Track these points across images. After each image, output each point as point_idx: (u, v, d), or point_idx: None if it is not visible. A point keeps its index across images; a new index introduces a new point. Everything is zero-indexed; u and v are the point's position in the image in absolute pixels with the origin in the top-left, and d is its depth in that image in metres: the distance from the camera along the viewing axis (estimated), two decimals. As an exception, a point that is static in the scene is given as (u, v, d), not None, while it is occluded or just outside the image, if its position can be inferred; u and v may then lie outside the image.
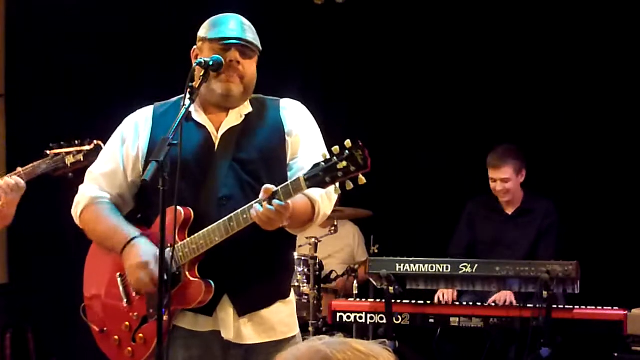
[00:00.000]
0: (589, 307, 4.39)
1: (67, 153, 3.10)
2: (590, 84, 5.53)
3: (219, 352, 2.81)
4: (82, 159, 3.07)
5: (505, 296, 4.71)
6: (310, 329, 4.84)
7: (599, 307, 4.38)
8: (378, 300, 4.63)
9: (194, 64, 2.76)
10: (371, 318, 4.60)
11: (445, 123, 5.82)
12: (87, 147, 3.08)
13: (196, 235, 2.72)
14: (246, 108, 2.91)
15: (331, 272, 5.33)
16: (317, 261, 4.95)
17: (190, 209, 2.76)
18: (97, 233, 2.91)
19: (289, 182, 2.58)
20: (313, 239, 5.03)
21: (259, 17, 5.90)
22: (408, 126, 5.92)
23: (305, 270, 4.90)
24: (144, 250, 2.73)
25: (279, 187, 2.57)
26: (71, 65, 6.00)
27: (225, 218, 2.67)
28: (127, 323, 2.84)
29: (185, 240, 2.73)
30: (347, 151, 2.49)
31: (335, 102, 6.14)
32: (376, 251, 5.14)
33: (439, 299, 4.84)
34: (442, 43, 5.81)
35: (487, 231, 5.13)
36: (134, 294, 2.83)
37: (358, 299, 4.82)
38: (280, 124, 2.93)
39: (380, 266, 4.49)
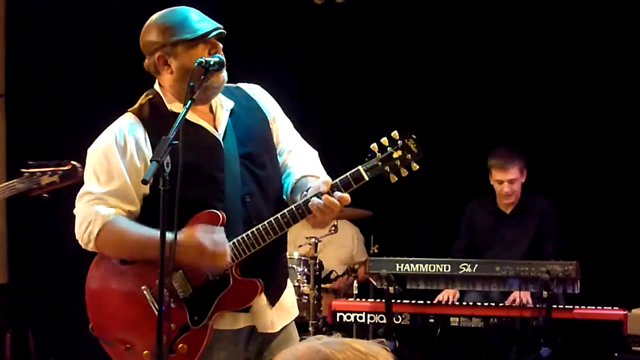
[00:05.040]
0: (589, 307, 4.39)
1: (43, 173, 3.03)
2: (590, 84, 5.53)
3: (241, 350, 2.84)
4: (57, 180, 3.01)
5: (516, 296, 4.68)
6: (310, 329, 4.84)
7: (599, 307, 4.38)
8: (378, 300, 4.63)
9: (195, 64, 2.69)
10: (371, 318, 4.60)
11: (445, 123, 5.82)
12: (63, 168, 3.01)
13: (244, 235, 2.72)
14: (226, 101, 2.89)
15: (331, 272, 5.33)
16: (317, 261, 4.95)
17: (222, 212, 2.74)
18: (125, 249, 2.78)
19: (347, 173, 2.68)
20: (313, 239, 5.03)
21: (259, 17, 5.95)
22: (408, 126, 5.90)
23: (305, 270, 4.90)
24: (199, 236, 2.65)
25: (337, 180, 2.68)
26: (71, 65, 6.01)
27: (277, 215, 2.70)
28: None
29: (230, 242, 2.72)
30: (399, 141, 2.72)
31: (335, 101, 6.14)
32: (376, 251, 5.14)
33: (439, 300, 4.85)
34: (442, 43, 5.81)
35: (486, 231, 5.14)
36: (172, 305, 2.71)
37: (358, 299, 4.81)
38: (262, 111, 2.95)
39: (380, 266, 4.49)
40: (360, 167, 2.70)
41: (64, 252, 5.92)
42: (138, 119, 2.81)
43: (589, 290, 4.46)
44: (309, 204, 2.66)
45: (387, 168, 2.72)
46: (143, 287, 2.75)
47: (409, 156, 2.73)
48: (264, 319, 2.85)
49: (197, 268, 2.72)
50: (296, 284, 4.83)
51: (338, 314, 4.65)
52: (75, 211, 2.82)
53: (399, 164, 2.73)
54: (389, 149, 2.71)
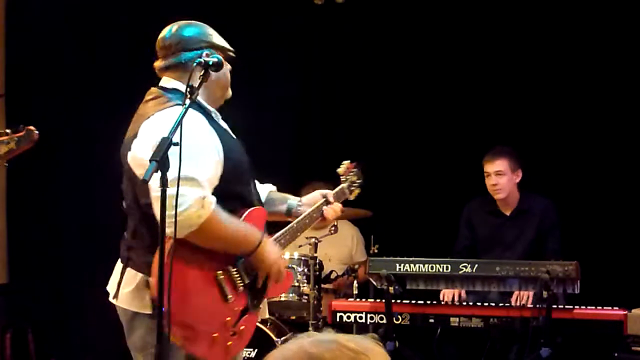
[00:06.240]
0: (589, 307, 4.39)
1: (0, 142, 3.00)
2: (589, 84, 5.53)
3: None
4: (14, 147, 2.96)
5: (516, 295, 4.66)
6: (310, 329, 4.83)
7: (599, 307, 4.37)
8: (378, 300, 4.63)
9: (195, 64, 2.80)
10: (371, 318, 4.60)
11: (444, 123, 5.83)
12: (19, 134, 2.98)
13: (282, 231, 3.13)
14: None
15: (331, 272, 5.33)
16: (317, 261, 4.94)
17: None
18: (226, 240, 2.84)
19: (337, 190, 3.51)
20: (313, 239, 5.02)
21: (259, 16, 5.95)
22: (408, 126, 5.92)
23: (305, 270, 4.89)
24: (274, 245, 3.04)
25: (334, 192, 3.46)
26: (71, 65, 6.01)
27: (303, 215, 3.23)
28: (228, 318, 2.89)
29: (273, 237, 3.08)
30: (354, 169, 3.66)
31: (335, 102, 6.14)
32: (376, 251, 5.13)
33: (444, 297, 4.85)
34: (442, 43, 5.81)
35: (486, 233, 5.14)
36: (241, 289, 2.91)
37: (358, 299, 4.81)
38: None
39: (380, 266, 4.49)
40: (345, 186, 3.59)
41: (64, 252, 5.95)
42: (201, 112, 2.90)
43: (589, 290, 4.45)
44: (323, 210, 3.31)
45: (352, 189, 3.63)
46: (219, 272, 2.86)
47: (360, 182, 3.67)
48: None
49: (261, 271, 2.98)
50: (296, 284, 4.83)
51: (338, 314, 4.65)
52: (172, 193, 2.66)
53: (356, 186, 3.67)
54: (353, 173, 3.64)
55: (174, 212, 2.61)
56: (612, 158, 5.48)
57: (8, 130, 2.89)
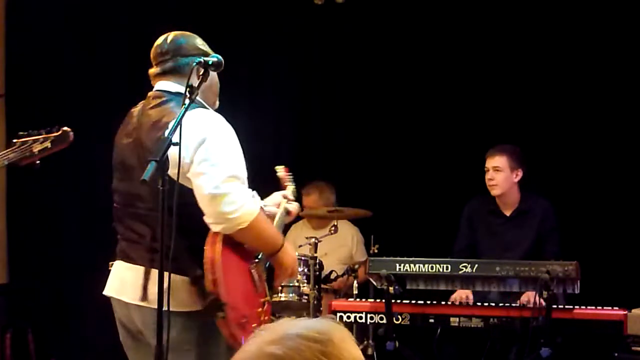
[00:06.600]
0: (589, 307, 4.38)
1: (34, 141, 3.00)
2: (590, 84, 5.53)
3: None
4: (49, 146, 2.97)
5: (529, 297, 4.66)
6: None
7: (599, 307, 4.37)
8: (378, 300, 4.63)
9: (195, 63, 2.84)
10: (371, 318, 4.59)
11: (445, 123, 5.83)
12: (55, 134, 2.98)
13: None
14: None
15: (331, 272, 5.33)
16: (317, 261, 4.95)
17: None
18: (265, 238, 3.01)
19: (290, 190, 3.50)
20: (313, 239, 5.02)
21: (259, 16, 5.95)
22: (408, 126, 5.92)
23: (305, 270, 4.89)
24: (292, 248, 3.18)
25: (287, 193, 3.46)
26: (71, 65, 6.01)
27: (278, 216, 3.30)
28: (260, 309, 3.07)
29: None
30: (289, 173, 3.65)
31: (335, 102, 6.14)
32: (376, 251, 5.13)
33: (454, 299, 4.86)
34: (442, 43, 5.82)
35: (486, 233, 5.13)
36: (263, 281, 3.11)
37: (358, 299, 4.81)
38: None
39: (380, 266, 4.48)
40: (293, 187, 3.57)
41: (64, 252, 5.95)
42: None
43: (589, 290, 4.45)
44: (290, 208, 3.37)
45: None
46: (251, 265, 3.05)
47: (294, 185, 3.66)
48: None
49: (280, 271, 3.12)
50: (296, 283, 4.83)
51: (338, 314, 4.65)
52: (223, 191, 2.80)
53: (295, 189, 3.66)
54: (289, 177, 3.61)
55: (228, 209, 2.78)
56: (611, 159, 5.48)
57: (42, 131, 2.93)
